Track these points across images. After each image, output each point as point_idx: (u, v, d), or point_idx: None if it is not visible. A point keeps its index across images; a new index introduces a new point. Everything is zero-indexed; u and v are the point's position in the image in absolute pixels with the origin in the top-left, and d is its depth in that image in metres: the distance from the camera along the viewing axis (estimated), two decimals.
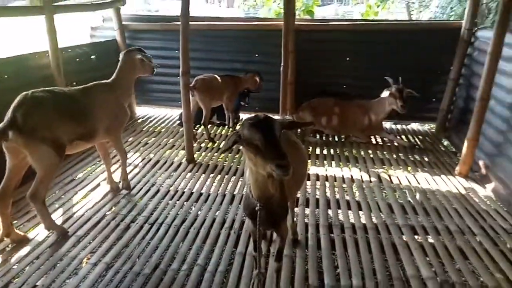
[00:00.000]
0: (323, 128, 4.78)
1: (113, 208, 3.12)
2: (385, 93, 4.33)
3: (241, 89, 4.88)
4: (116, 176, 3.51)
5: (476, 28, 4.33)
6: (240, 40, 5.18)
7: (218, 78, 4.60)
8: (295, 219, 2.86)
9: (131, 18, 5.44)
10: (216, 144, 4.53)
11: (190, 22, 3.62)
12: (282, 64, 4.21)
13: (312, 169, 3.85)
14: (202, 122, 4.52)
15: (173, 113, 5.73)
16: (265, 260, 2.42)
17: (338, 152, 4.34)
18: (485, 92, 3.33)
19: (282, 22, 4.22)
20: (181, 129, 4.78)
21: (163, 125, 5.29)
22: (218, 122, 5.23)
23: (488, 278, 2.30)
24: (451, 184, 3.55)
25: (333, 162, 4.05)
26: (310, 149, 4.43)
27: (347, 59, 5.02)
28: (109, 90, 3.03)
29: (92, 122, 2.81)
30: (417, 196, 3.35)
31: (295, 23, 4.70)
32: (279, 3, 8.07)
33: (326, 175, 3.73)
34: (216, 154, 4.26)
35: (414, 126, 5.33)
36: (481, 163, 3.61)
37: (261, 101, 5.25)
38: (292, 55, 4.67)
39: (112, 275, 2.34)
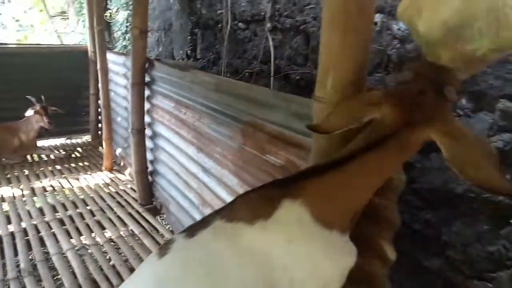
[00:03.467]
0: None
1: None
2: (29, 112, 4.53)
3: None
4: None
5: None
6: None
7: None
8: None
9: None
10: None
11: None
12: None
13: None
14: None
15: None
16: None
17: None
18: (105, 100, 4.23)
19: None
20: None
21: None
22: None
23: (114, 231, 3.08)
24: (99, 178, 4.27)
25: None
26: None
27: None
28: None
29: None
30: (69, 194, 3.83)
31: None
32: None
33: None
34: None
35: (81, 140, 5.80)
36: (118, 156, 4.54)
37: None
38: None
39: None
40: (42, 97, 4.61)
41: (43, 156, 4.90)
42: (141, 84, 3.36)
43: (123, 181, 4.19)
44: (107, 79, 4.18)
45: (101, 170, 4.48)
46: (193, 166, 2.68)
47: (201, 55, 4.49)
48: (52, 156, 4.88)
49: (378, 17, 2.30)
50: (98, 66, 4.12)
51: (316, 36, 2.78)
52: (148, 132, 3.53)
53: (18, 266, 2.62)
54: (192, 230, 1.04)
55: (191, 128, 2.62)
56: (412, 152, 1.03)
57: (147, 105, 3.47)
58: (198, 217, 2.73)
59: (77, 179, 4.20)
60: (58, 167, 4.60)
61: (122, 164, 4.50)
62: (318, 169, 1.04)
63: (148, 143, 3.56)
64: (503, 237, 1.91)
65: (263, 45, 3.38)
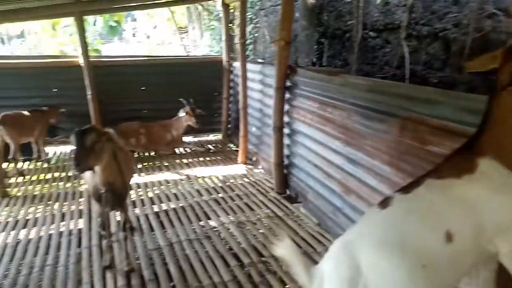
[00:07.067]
0: (134, 148, 5.50)
1: None
2: (181, 113, 5.48)
3: (49, 123, 5.05)
4: None
5: (231, 61, 6.04)
6: (35, 76, 5.34)
7: (27, 113, 4.67)
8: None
9: None
10: (28, 177, 4.61)
11: None
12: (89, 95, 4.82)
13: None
14: (12, 156, 4.49)
15: None
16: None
17: (151, 164, 5.20)
18: (244, 102, 4.90)
19: (77, 59, 4.90)
20: None
21: None
22: (23, 158, 5.16)
23: (259, 212, 3.64)
24: (237, 169, 4.96)
25: (149, 172, 4.87)
26: None
27: (143, 88, 5.96)
28: None
29: None
30: (216, 181, 4.57)
31: (91, 59, 5.29)
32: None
33: (146, 182, 4.50)
34: (30, 186, 4.36)
35: (210, 137, 6.72)
36: (252, 152, 5.18)
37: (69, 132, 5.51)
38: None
39: None
40: (191, 100, 5.51)
41: (187, 149, 5.84)
42: (283, 88, 3.90)
43: (257, 173, 4.81)
44: (246, 84, 4.85)
45: (236, 163, 5.18)
46: (338, 158, 3.07)
47: (327, 62, 4.91)
48: (188, 150, 5.79)
49: None
50: (240, 74, 4.81)
51: (457, 41, 2.97)
52: (286, 130, 4.05)
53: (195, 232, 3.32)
54: (407, 189, 1.41)
55: (337, 125, 3.02)
56: None
57: (286, 107, 4.00)
58: (339, 203, 3.12)
59: (219, 170, 4.94)
60: (201, 159, 5.46)
61: (254, 159, 5.14)
62: (481, 126, 1.35)
63: (285, 140, 4.08)
64: None
65: (396, 52, 3.65)
